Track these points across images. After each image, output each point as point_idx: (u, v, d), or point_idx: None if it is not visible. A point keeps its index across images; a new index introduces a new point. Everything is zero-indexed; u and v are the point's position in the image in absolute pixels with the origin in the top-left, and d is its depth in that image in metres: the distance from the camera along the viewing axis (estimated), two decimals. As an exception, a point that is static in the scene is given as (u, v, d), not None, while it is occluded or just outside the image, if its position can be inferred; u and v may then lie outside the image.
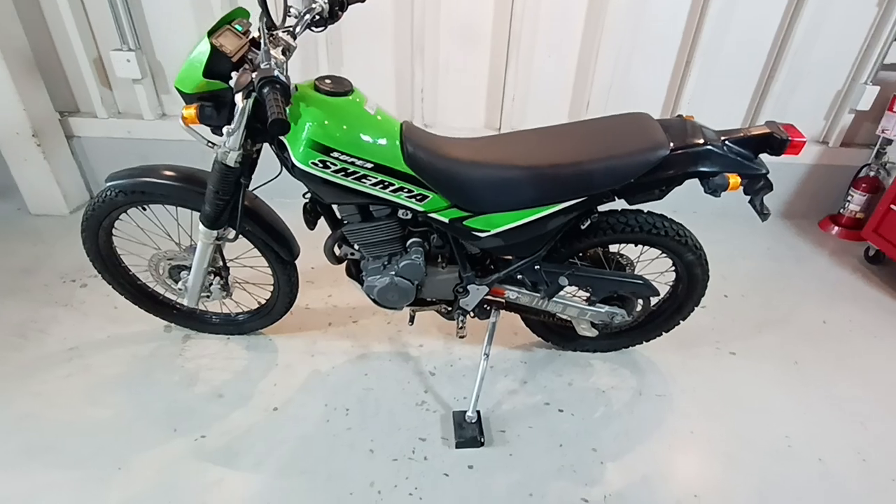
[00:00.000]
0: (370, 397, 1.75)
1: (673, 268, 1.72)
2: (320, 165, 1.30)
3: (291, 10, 1.36)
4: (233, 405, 1.69)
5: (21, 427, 1.58)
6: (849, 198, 2.83)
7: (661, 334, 1.88)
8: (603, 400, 1.79)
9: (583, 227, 1.49)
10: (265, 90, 1.04)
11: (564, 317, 1.75)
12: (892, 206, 2.45)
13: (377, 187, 1.36)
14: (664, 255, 1.66)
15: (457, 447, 1.59)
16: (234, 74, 1.19)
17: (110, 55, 2.47)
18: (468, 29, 2.54)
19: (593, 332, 1.78)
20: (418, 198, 1.39)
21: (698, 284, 1.70)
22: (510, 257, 1.60)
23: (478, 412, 1.66)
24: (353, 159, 1.30)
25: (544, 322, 1.86)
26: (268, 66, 1.07)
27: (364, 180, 1.34)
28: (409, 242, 1.54)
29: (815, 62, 2.62)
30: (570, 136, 1.41)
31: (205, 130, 1.34)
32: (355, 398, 1.74)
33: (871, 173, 2.76)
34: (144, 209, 1.62)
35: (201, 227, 1.52)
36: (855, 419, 1.77)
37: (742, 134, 1.38)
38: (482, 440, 1.60)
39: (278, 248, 1.64)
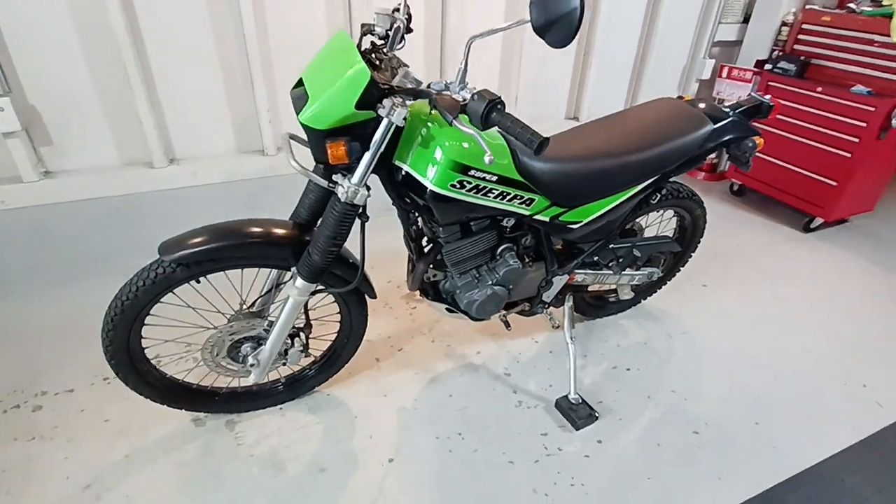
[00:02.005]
0: (471, 415, 1.72)
1: (677, 225, 2.04)
2: (458, 186, 1.25)
3: (376, 28, 1.26)
4: (343, 473, 1.51)
5: None
6: (704, 149, 3.58)
7: (665, 283, 2.20)
8: (650, 351, 2.04)
9: (654, 201, 1.69)
10: (494, 114, 0.98)
11: (614, 286, 1.94)
12: (745, 150, 3.20)
13: (498, 199, 1.36)
14: (675, 214, 1.97)
15: (577, 429, 1.67)
16: (385, 102, 1.08)
17: (-30, 105, 1.87)
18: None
19: (631, 295, 2.01)
20: (527, 202, 1.42)
21: (698, 235, 2.04)
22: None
23: (578, 393, 1.76)
24: (485, 174, 1.28)
25: (583, 298, 2.04)
26: (464, 87, 1.01)
27: (489, 194, 1.33)
28: (500, 250, 1.55)
29: (669, 46, 3.25)
30: (635, 124, 1.58)
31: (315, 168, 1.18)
32: (458, 420, 1.69)
33: (716, 127, 3.53)
34: (199, 282, 1.32)
35: (298, 281, 1.31)
36: (806, 309, 2.32)
37: (741, 105, 1.72)
38: (597, 414, 1.71)
39: (363, 286, 1.49)
